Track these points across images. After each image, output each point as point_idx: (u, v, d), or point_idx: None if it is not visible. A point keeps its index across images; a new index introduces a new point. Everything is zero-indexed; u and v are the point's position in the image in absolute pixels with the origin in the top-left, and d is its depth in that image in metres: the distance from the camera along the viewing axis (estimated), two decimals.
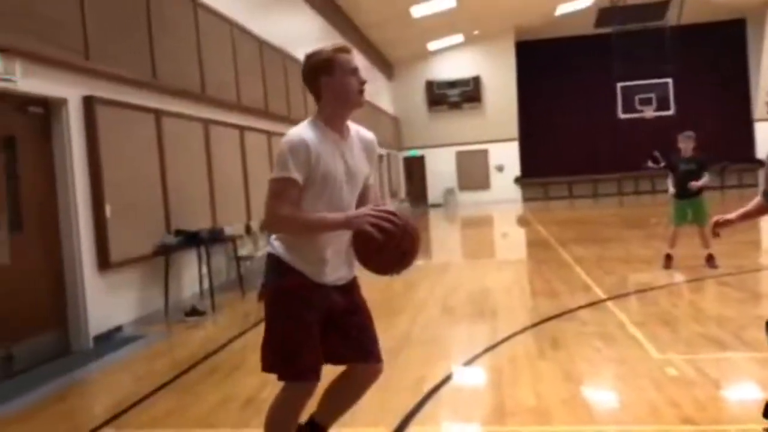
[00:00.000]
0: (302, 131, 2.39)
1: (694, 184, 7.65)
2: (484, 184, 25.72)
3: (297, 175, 2.32)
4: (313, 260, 2.46)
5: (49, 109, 5.65)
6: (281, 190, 2.32)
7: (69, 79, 5.71)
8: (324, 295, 2.50)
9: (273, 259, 2.49)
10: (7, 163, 5.17)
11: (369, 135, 2.64)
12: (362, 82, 2.46)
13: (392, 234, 2.28)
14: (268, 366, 2.52)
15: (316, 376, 2.48)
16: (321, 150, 2.36)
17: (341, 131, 2.47)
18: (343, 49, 2.47)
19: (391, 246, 2.31)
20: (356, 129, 2.57)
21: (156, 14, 7.11)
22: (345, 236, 2.45)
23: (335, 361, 2.60)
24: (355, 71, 2.44)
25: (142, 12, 6.91)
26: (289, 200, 2.33)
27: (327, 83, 2.41)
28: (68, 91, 5.72)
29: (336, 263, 2.52)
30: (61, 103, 5.67)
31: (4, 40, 4.88)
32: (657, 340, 4.74)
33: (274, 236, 2.54)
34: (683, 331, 5.07)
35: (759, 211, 2.99)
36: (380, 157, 21.54)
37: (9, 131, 5.21)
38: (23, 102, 5.37)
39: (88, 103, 5.91)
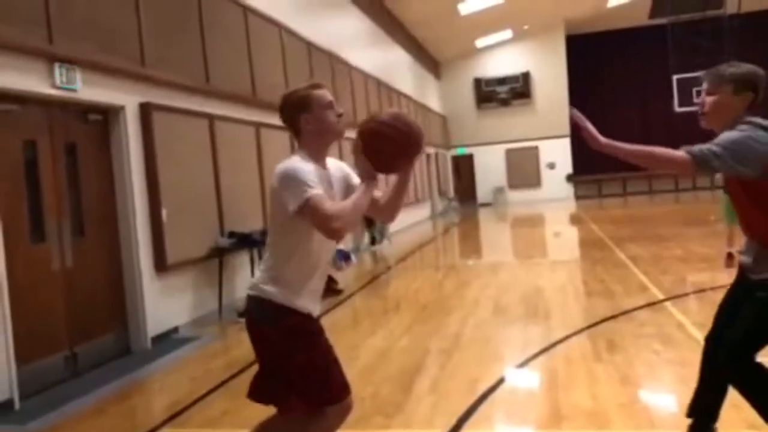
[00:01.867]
0: (298, 162, 2.42)
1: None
2: (534, 182, 25.36)
3: (317, 188, 2.33)
4: (304, 291, 2.50)
5: (107, 116, 5.83)
6: (316, 204, 2.30)
7: (126, 86, 5.88)
8: (320, 325, 2.57)
9: (264, 305, 2.47)
10: (69, 170, 5.35)
11: (342, 164, 2.74)
12: (339, 114, 2.55)
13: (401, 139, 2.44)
14: (290, 403, 2.52)
15: (349, 391, 2.55)
16: (317, 178, 2.40)
17: (324, 163, 2.55)
18: (317, 86, 2.58)
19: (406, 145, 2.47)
20: (330, 161, 2.64)
21: (208, 19, 7.25)
22: (327, 258, 2.57)
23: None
24: (330, 104, 2.54)
25: (194, 18, 7.06)
26: (328, 204, 2.32)
27: (306, 119, 2.50)
28: (125, 98, 5.89)
29: (319, 291, 2.62)
30: (119, 110, 5.84)
31: (67, 50, 5.05)
32: None
33: (258, 277, 2.53)
34: None
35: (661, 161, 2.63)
36: (428, 156, 21.49)
37: (70, 138, 5.39)
38: (84, 110, 5.55)
39: (145, 109, 6.08)
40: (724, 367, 2.84)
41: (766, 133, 2.54)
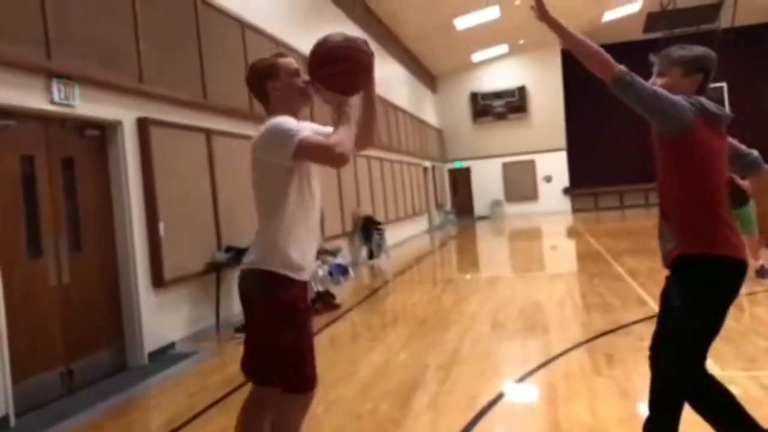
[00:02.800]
0: (273, 119, 2.51)
1: (741, 182, 7.37)
2: (531, 195, 25.42)
3: (303, 131, 2.42)
4: (297, 254, 2.54)
5: (105, 131, 5.84)
6: (310, 142, 2.39)
7: (124, 101, 5.89)
8: (309, 307, 2.70)
9: (258, 275, 2.53)
10: (66, 185, 5.34)
11: (312, 123, 2.78)
12: (306, 81, 2.61)
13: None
14: (269, 380, 2.58)
15: (317, 383, 2.62)
16: (298, 125, 2.49)
17: None
18: (283, 54, 2.68)
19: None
20: (302, 123, 2.69)
21: (205, 35, 7.28)
22: (317, 218, 2.66)
23: None
24: (297, 72, 2.62)
25: (192, 34, 7.09)
26: (321, 139, 2.42)
27: (274, 86, 2.59)
28: (123, 113, 5.89)
29: (313, 253, 2.68)
30: (117, 125, 5.84)
31: (65, 66, 5.07)
32: (718, 357, 4.56)
33: (252, 249, 2.59)
34: (746, 347, 4.87)
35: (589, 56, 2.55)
36: (425, 169, 21.53)
37: (68, 154, 5.39)
38: (81, 125, 5.56)
39: (142, 124, 6.08)
40: (668, 381, 2.69)
41: (713, 110, 2.56)
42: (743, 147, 2.87)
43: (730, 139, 2.79)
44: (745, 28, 22.08)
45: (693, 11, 20.34)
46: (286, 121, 2.47)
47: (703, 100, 2.57)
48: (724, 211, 2.57)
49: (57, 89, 5.02)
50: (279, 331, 2.49)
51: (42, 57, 4.86)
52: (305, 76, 2.62)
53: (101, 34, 5.56)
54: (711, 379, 2.64)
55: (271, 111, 2.60)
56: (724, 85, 20.84)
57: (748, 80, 22.98)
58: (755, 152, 2.87)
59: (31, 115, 4.92)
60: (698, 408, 2.64)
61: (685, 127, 2.46)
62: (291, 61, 2.64)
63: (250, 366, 2.66)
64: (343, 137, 2.41)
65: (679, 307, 2.62)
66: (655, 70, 2.77)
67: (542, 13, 2.61)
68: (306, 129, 2.49)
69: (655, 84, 2.67)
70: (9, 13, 4.59)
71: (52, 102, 5.00)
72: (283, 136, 2.40)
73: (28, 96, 4.79)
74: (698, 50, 2.70)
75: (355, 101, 2.57)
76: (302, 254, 2.56)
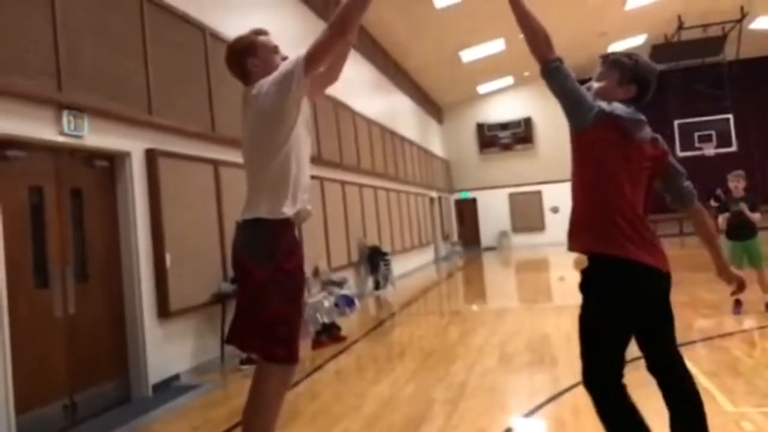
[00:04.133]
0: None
1: (750, 215, 7.34)
2: (538, 225, 25.35)
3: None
4: (300, 194, 2.61)
5: (114, 162, 5.88)
6: (311, 48, 2.50)
7: (133, 133, 5.94)
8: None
9: (263, 235, 2.53)
10: (74, 216, 5.37)
11: None
12: (284, 58, 2.67)
13: None
14: (251, 346, 2.62)
15: (299, 358, 2.63)
16: None
17: None
18: (262, 32, 2.73)
19: None
20: None
21: (214, 68, 7.36)
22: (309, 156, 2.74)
23: None
24: (276, 49, 2.70)
25: (201, 66, 7.18)
26: (316, 39, 2.53)
27: (254, 63, 2.65)
28: (132, 144, 5.94)
29: (308, 192, 2.75)
30: (125, 156, 5.89)
31: (75, 98, 5.13)
32: (730, 392, 4.50)
33: (251, 200, 2.63)
34: (758, 382, 4.79)
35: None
36: (431, 200, 21.55)
37: (76, 184, 5.43)
38: (90, 156, 5.60)
39: (151, 155, 6.13)
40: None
41: (620, 113, 2.52)
42: (682, 175, 2.78)
43: (674, 163, 2.75)
44: (750, 60, 22.20)
45: (697, 44, 20.48)
46: (282, 64, 2.57)
47: (618, 105, 2.57)
48: (619, 216, 2.52)
49: (67, 121, 5.07)
50: (272, 298, 2.49)
51: (53, 89, 4.93)
52: (283, 53, 2.70)
53: (111, 67, 5.63)
54: (621, 397, 2.58)
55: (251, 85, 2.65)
56: (730, 117, 20.84)
57: (755, 112, 23.03)
58: (689, 184, 2.80)
59: (40, 146, 4.97)
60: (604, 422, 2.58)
61: (586, 124, 2.50)
62: (269, 39, 2.71)
63: (235, 328, 2.64)
64: (342, 12, 2.46)
65: (579, 313, 2.64)
66: (596, 71, 2.77)
67: None
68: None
69: (592, 86, 2.71)
70: (22, 47, 4.67)
71: (62, 133, 5.05)
72: (284, 68, 2.51)
73: (38, 127, 4.85)
74: (639, 61, 2.68)
75: None
76: (303, 196, 2.63)
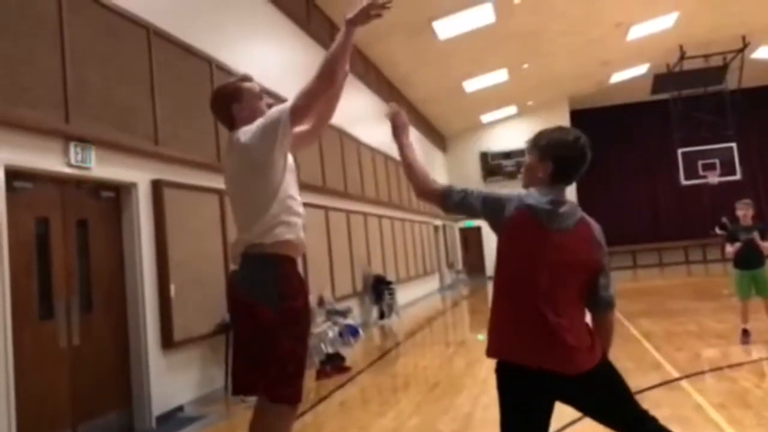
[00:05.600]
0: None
1: (761, 244, 7.30)
2: None
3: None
4: (297, 226, 2.62)
5: (120, 192, 5.92)
6: (297, 98, 2.53)
7: (139, 163, 5.99)
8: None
9: (267, 274, 2.50)
10: (79, 246, 5.39)
11: None
12: (269, 104, 2.70)
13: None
14: (257, 388, 2.51)
15: (302, 397, 2.61)
16: None
17: None
18: (247, 78, 2.78)
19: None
20: None
21: None
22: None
23: None
24: (260, 95, 2.73)
25: (207, 97, 7.19)
26: (302, 89, 2.57)
27: (239, 109, 2.66)
28: (138, 175, 5.98)
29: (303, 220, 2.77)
30: (131, 186, 5.93)
31: (82, 130, 5.19)
32: (740, 425, 4.43)
33: (247, 236, 2.57)
34: (767, 413, 4.73)
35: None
36: (436, 228, 21.55)
37: (82, 215, 5.46)
38: (96, 187, 5.64)
39: (157, 186, 6.16)
40: None
41: (531, 202, 2.41)
42: (603, 275, 2.51)
43: (604, 266, 2.51)
44: (752, 89, 22.34)
45: (700, 73, 20.64)
46: (267, 112, 2.60)
47: (533, 193, 2.45)
48: (516, 311, 2.38)
49: (74, 152, 5.12)
50: (281, 338, 2.46)
51: (60, 121, 4.99)
52: (268, 100, 2.74)
53: (118, 98, 5.70)
54: None
55: (236, 130, 2.67)
56: (733, 145, 20.91)
57: (758, 140, 23.10)
58: (611, 292, 2.54)
59: (47, 177, 5.01)
60: None
61: (506, 219, 2.42)
62: (254, 85, 2.74)
63: (239, 374, 2.60)
64: (329, 59, 2.52)
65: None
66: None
67: (399, 138, 2.66)
68: None
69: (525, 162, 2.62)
70: (30, 78, 4.74)
71: (69, 164, 5.09)
72: (270, 116, 2.53)
73: (45, 159, 4.90)
74: (555, 138, 2.54)
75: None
76: (300, 226, 2.64)
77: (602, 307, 2.53)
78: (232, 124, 2.69)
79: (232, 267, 2.70)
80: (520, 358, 2.35)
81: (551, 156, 2.49)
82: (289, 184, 2.62)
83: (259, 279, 2.50)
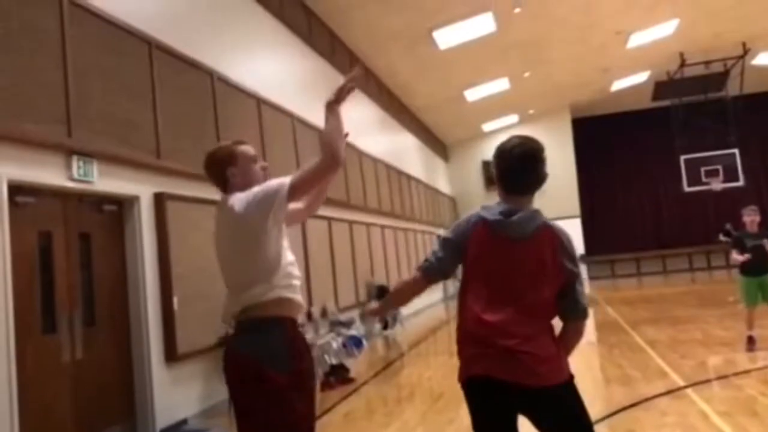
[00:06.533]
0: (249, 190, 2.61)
1: None
2: None
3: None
4: (296, 291, 2.58)
5: (122, 206, 5.93)
6: (298, 176, 2.51)
7: (141, 177, 6.00)
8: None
9: (276, 333, 2.47)
10: (82, 260, 5.39)
11: None
12: (264, 167, 2.72)
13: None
14: None
15: None
16: None
17: None
18: (241, 141, 2.76)
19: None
20: None
21: (222, 111, 7.48)
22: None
23: None
24: (255, 158, 2.71)
25: (209, 110, 7.28)
26: (303, 168, 2.56)
27: (233, 173, 2.64)
28: (140, 188, 6.00)
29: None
30: (134, 200, 5.94)
31: (85, 143, 5.20)
32: None
33: (247, 297, 2.51)
34: None
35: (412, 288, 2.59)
36: (438, 237, 21.51)
37: (85, 229, 5.47)
38: (99, 200, 5.65)
39: (159, 199, 6.18)
40: None
41: (484, 215, 2.44)
42: (574, 282, 2.41)
43: (572, 273, 2.40)
44: (754, 95, 22.34)
45: (700, 79, 20.65)
46: (267, 182, 2.56)
47: (489, 209, 2.47)
48: (478, 324, 2.34)
49: (76, 166, 5.14)
50: (297, 399, 2.42)
51: (63, 135, 5.00)
52: (263, 162, 2.73)
53: (120, 112, 5.73)
54: None
55: (230, 194, 2.63)
56: (736, 151, 20.89)
57: (761, 146, 23.08)
58: (583, 301, 2.44)
59: (50, 191, 5.03)
60: None
61: (468, 241, 2.44)
62: (249, 148, 2.72)
63: None
64: (330, 144, 2.52)
65: None
66: None
67: None
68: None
69: None
70: (33, 93, 4.76)
71: (71, 179, 5.11)
72: (270, 188, 2.50)
73: (48, 173, 4.91)
74: (498, 148, 2.59)
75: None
76: (298, 290, 2.61)
77: (573, 316, 2.45)
78: (226, 187, 2.66)
79: (226, 330, 2.62)
80: (485, 370, 2.32)
81: (495, 166, 2.56)
82: (286, 249, 2.60)
83: (267, 342, 2.44)
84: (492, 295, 2.37)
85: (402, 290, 2.68)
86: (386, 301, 2.83)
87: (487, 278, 2.40)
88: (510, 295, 2.35)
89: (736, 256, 7.47)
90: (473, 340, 2.37)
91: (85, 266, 5.44)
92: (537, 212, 2.48)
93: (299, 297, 2.61)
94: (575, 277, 2.41)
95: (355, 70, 2.71)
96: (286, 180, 2.48)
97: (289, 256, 2.61)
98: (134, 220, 5.94)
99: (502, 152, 2.53)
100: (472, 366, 2.37)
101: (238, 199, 2.52)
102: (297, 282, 2.61)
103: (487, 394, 2.34)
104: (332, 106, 2.62)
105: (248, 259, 2.53)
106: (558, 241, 2.43)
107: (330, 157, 2.49)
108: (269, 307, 2.48)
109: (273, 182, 2.52)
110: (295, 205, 2.75)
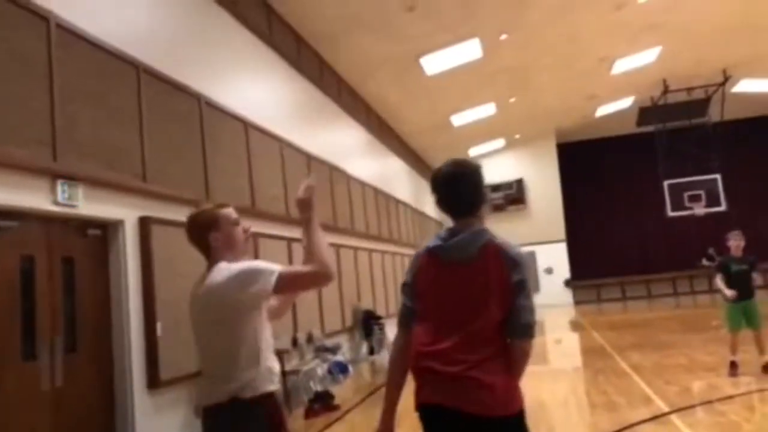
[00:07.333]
0: (235, 263, 2.58)
1: (755, 277, 7.40)
2: (533, 287, 24.96)
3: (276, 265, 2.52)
4: (276, 378, 2.57)
5: (107, 230, 5.89)
6: (291, 272, 2.50)
7: (127, 201, 5.97)
8: None
9: (267, 421, 2.45)
10: (65, 285, 5.33)
11: None
12: (246, 230, 2.70)
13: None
14: None
15: None
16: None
17: None
18: (223, 205, 2.72)
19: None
20: None
21: (209, 135, 7.48)
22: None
23: None
24: (237, 221, 2.68)
25: (196, 134, 7.29)
26: (298, 269, 2.53)
27: (216, 237, 2.61)
28: (125, 212, 5.96)
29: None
30: (119, 224, 5.90)
31: (71, 167, 5.18)
32: None
33: (237, 380, 2.47)
34: None
35: None
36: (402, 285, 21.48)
37: (68, 253, 5.42)
38: (83, 225, 5.61)
39: (144, 223, 6.14)
40: None
41: (428, 243, 2.45)
42: (520, 298, 2.34)
43: (519, 289, 2.34)
44: (735, 121, 22.71)
45: (683, 106, 21.00)
46: (257, 261, 2.53)
47: (435, 236, 2.47)
48: (426, 357, 2.33)
49: (61, 190, 5.10)
50: None
51: (48, 159, 4.98)
52: (245, 225, 2.71)
53: (107, 135, 5.71)
54: None
55: (216, 259, 2.60)
56: (718, 177, 21.16)
57: (742, 172, 23.39)
58: (528, 319, 2.35)
59: (34, 215, 4.99)
60: None
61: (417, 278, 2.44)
62: (231, 211, 2.68)
63: None
64: (322, 254, 2.51)
65: None
66: None
67: None
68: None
69: None
70: (19, 117, 4.74)
71: (56, 203, 5.07)
72: (261, 274, 2.44)
73: (32, 197, 4.87)
74: (431, 174, 2.57)
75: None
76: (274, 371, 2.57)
77: (515, 334, 2.33)
78: (208, 252, 2.64)
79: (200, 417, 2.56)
80: (432, 397, 2.31)
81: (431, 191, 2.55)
82: (268, 341, 2.58)
83: (245, 426, 2.43)
84: (439, 323, 2.34)
85: (392, 362, 2.58)
86: (387, 399, 2.62)
87: (434, 306, 2.37)
88: (457, 321, 2.30)
89: (725, 291, 7.46)
90: (423, 369, 2.35)
91: (68, 291, 5.38)
92: (481, 231, 2.40)
93: (278, 385, 2.59)
94: (520, 291, 2.32)
95: (311, 178, 2.72)
96: (276, 267, 2.45)
97: (271, 341, 2.59)
98: (119, 245, 5.90)
99: (433, 177, 2.52)
100: (421, 393, 2.36)
101: (219, 271, 2.49)
102: (277, 369, 2.58)
103: (436, 421, 2.33)
104: (309, 217, 2.63)
105: (230, 342, 2.48)
106: (504, 257, 2.35)
107: (324, 273, 2.48)
108: (254, 397, 2.45)
109: (261, 264, 2.48)
110: (270, 302, 2.69)
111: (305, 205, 2.63)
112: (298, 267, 2.50)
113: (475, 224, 2.43)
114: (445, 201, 2.47)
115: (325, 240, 2.57)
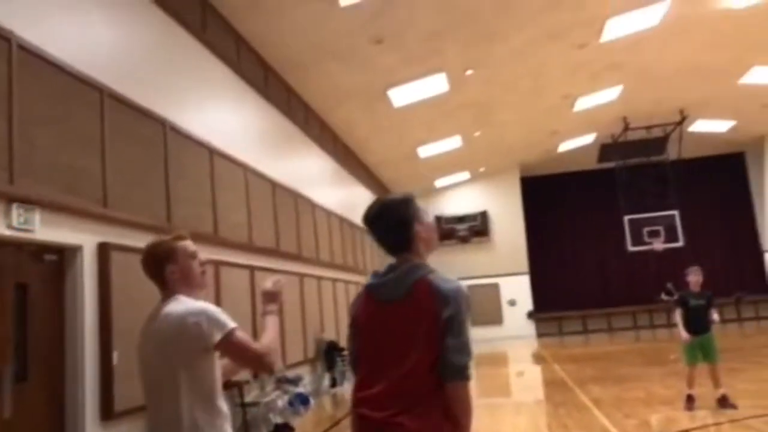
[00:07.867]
0: (197, 302, 2.53)
1: (714, 317, 7.55)
2: (496, 319, 25.37)
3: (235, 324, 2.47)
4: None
5: (64, 255, 5.74)
6: (242, 340, 2.42)
7: (85, 226, 5.84)
8: None
9: None
10: (17, 311, 5.17)
11: None
12: (202, 263, 2.64)
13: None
14: None
15: None
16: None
17: None
18: (181, 237, 2.64)
19: None
20: None
21: (173, 161, 7.40)
22: None
23: None
24: (194, 254, 2.61)
25: (159, 160, 7.20)
26: (254, 342, 2.45)
27: (173, 270, 2.55)
28: (84, 238, 5.83)
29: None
30: (77, 249, 5.76)
31: (28, 191, 5.05)
32: None
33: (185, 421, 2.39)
34: None
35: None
36: None
37: (22, 279, 5.26)
38: (39, 250, 5.46)
39: (103, 249, 6.01)
40: None
41: (367, 282, 2.40)
42: (450, 335, 2.12)
43: (449, 327, 2.13)
44: (692, 160, 23.40)
45: (643, 143, 21.61)
46: (219, 310, 2.47)
47: (374, 275, 2.39)
48: (357, 402, 2.26)
49: (17, 214, 4.97)
50: None
51: (4, 183, 4.86)
52: (202, 257, 2.64)
53: (68, 159, 5.61)
54: None
55: (171, 293, 2.54)
56: (676, 213, 21.73)
57: (698, 209, 24.04)
58: (460, 359, 2.11)
59: None
60: None
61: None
62: (189, 244, 2.62)
63: None
64: (274, 345, 2.48)
65: None
66: None
67: None
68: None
69: None
70: None
71: (10, 227, 4.94)
72: (221, 321, 2.40)
73: None
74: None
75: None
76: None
77: (446, 376, 2.11)
78: (164, 284, 2.58)
79: None
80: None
81: None
82: (220, 390, 2.52)
83: None
84: (372, 365, 2.23)
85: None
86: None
87: (369, 348, 2.27)
88: (387, 363, 2.18)
89: (682, 332, 7.62)
90: (355, 416, 2.25)
91: (20, 319, 5.20)
92: (415, 267, 2.26)
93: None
94: (449, 329, 2.11)
95: (282, 277, 2.77)
96: (231, 324, 2.41)
97: (221, 394, 2.53)
98: (75, 271, 5.75)
99: (363, 217, 2.41)
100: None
101: (183, 308, 2.43)
102: (227, 415, 2.52)
103: None
104: (272, 310, 2.63)
105: (178, 380, 2.39)
106: (435, 293, 2.17)
107: (269, 361, 2.44)
108: None
109: (225, 320, 2.42)
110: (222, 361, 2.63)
111: (271, 297, 2.62)
112: (251, 342, 2.42)
113: (411, 260, 2.30)
114: (376, 240, 2.39)
115: (277, 335, 2.55)
